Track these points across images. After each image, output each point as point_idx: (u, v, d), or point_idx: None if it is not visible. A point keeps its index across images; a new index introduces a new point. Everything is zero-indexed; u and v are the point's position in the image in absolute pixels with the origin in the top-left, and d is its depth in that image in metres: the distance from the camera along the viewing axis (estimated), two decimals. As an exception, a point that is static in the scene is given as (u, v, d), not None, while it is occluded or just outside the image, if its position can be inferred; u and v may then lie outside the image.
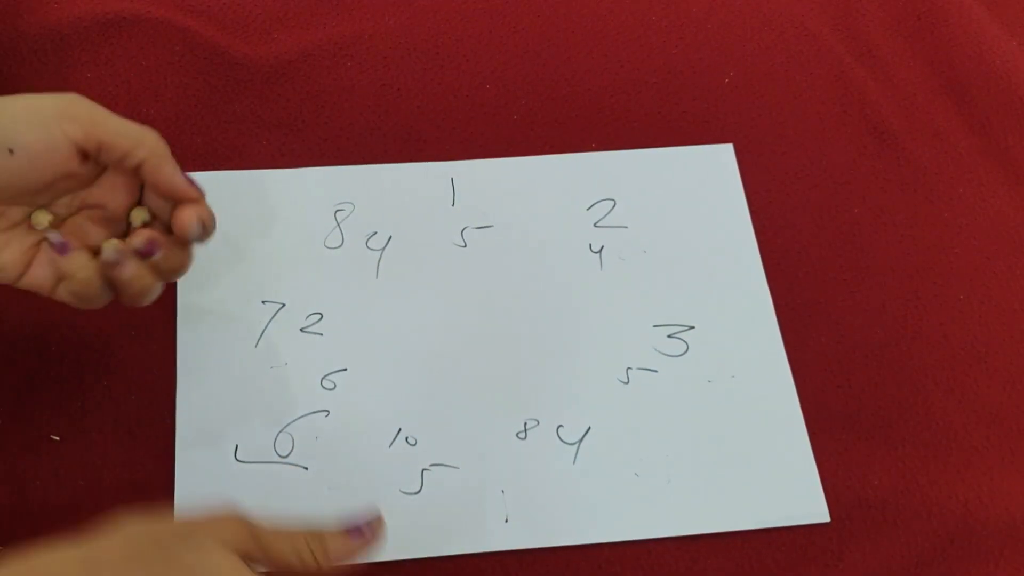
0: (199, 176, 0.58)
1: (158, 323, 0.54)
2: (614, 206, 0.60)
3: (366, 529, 0.43)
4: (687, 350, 0.56)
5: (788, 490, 0.53)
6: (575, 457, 0.53)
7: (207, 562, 0.37)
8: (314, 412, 0.53)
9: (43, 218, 0.45)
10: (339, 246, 0.58)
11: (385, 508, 0.50)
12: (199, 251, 0.56)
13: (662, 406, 0.54)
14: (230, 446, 0.51)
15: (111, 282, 0.44)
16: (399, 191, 0.59)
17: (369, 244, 0.58)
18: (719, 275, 0.58)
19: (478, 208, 0.59)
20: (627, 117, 0.64)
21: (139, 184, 0.46)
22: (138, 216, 0.46)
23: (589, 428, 0.53)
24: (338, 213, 0.58)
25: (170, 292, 0.55)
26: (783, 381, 0.56)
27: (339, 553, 0.41)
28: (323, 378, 0.53)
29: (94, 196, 0.46)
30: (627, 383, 0.55)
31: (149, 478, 0.50)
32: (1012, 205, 0.63)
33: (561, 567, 0.50)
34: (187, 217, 0.45)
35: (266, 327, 0.55)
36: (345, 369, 0.54)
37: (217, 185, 0.58)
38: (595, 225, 0.60)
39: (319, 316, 0.55)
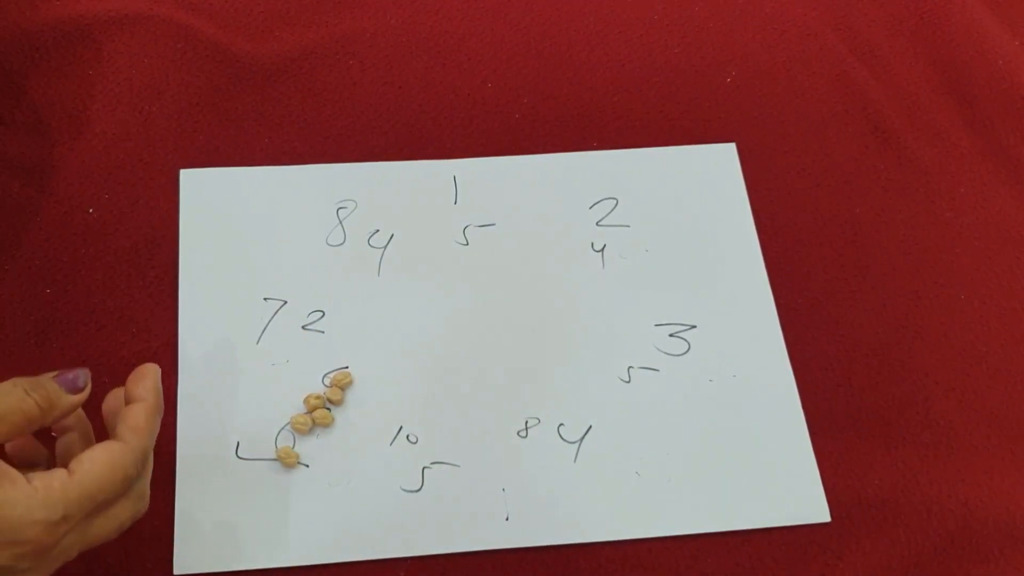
0: (200, 173, 0.58)
1: (159, 320, 0.54)
2: (616, 205, 0.60)
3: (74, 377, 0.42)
4: (688, 349, 0.56)
5: (789, 489, 0.53)
6: (576, 456, 0.53)
7: None
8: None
9: None
10: (341, 244, 0.58)
11: (386, 506, 0.50)
12: (202, 249, 0.56)
13: (663, 405, 0.54)
14: (231, 443, 0.51)
15: None
16: (401, 189, 0.59)
17: (371, 242, 0.58)
18: (721, 274, 0.58)
19: (480, 206, 0.59)
20: (629, 116, 0.64)
21: None
22: None
23: (590, 427, 0.53)
24: (340, 211, 0.58)
25: (172, 289, 0.55)
26: (784, 380, 0.56)
27: (57, 395, 0.41)
28: (324, 376, 0.53)
29: None
30: (628, 382, 0.55)
31: (150, 475, 0.50)
32: (1013, 205, 0.63)
33: (561, 566, 0.50)
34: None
35: (268, 324, 0.55)
36: (347, 367, 0.54)
37: (219, 183, 0.58)
38: (597, 224, 0.60)
39: (321, 314, 0.55)
